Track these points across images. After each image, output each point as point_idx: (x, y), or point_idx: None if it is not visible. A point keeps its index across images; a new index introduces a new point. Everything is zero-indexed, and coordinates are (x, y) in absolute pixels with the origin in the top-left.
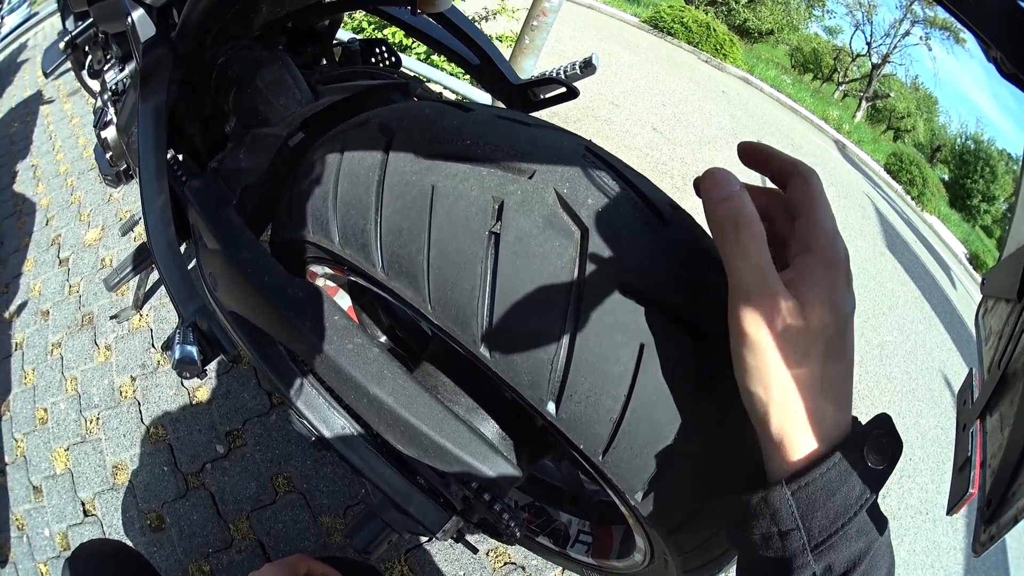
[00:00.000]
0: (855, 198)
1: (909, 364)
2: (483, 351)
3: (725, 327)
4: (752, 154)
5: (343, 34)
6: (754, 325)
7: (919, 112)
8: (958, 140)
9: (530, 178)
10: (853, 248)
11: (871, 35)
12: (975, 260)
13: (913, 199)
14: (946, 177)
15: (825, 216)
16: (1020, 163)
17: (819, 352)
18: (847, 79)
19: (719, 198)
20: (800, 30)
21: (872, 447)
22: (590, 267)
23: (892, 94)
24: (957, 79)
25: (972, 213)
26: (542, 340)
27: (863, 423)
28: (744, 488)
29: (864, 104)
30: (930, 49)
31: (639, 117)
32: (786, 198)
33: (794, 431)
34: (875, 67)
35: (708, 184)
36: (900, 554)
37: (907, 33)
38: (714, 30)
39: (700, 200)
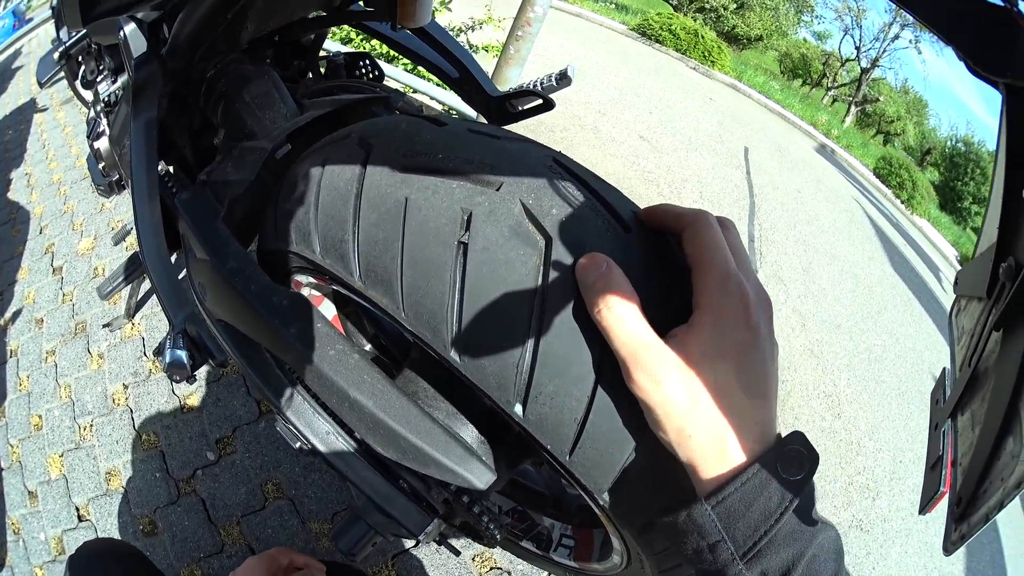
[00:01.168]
0: (844, 203)
1: (899, 367)
2: (453, 355)
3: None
4: (651, 218)
5: (331, 44)
6: (637, 388)
7: (909, 115)
8: (948, 142)
9: (497, 190)
10: (842, 253)
11: (860, 39)
12: (966, 262)
13: (903, 202)
14: (936, 180)
15: (712, 267)
16: (993, 163)
17: (714, 392)
18: (836, 84)
19: (588, 281)
20: (789, 36)
21: (785, 460)
22: (553, 274)
23: (881, 98)
24: (947, 81)
25: (963, 215)
26: (508, 344)
27: (782, 438)
28: (674, 509)
29: (853, 109)
30: (919, 52)
31: (626, 125)
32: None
33: (700, 461)
34: (864, 71)
35: (579, 269)
36: (892, 556)
37: (896, 37)
38: (702, 37)
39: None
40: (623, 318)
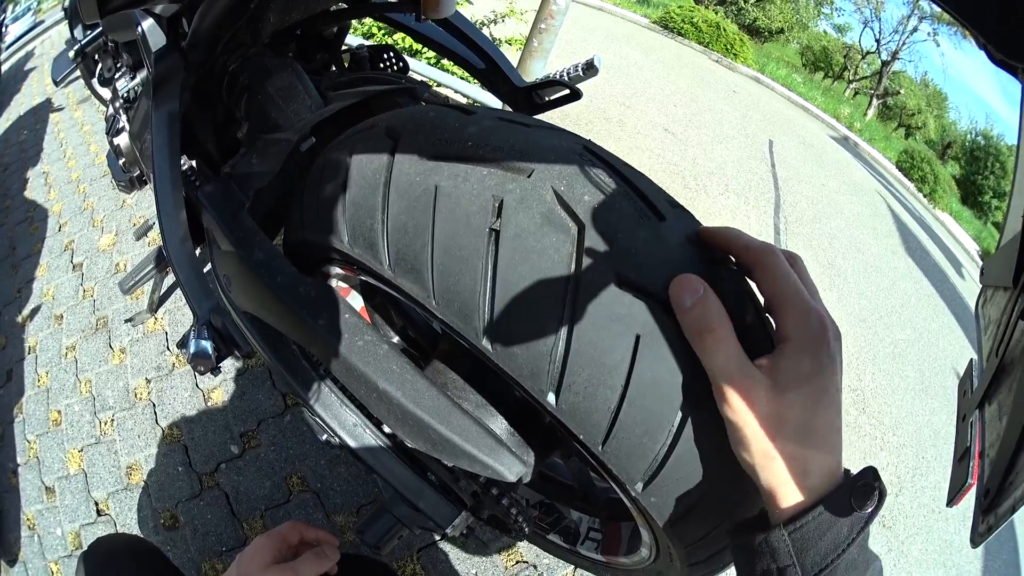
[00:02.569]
0: (867, 197)
1: (922, 361)
2: (485, 344)
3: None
4: (712, 239)
5: (352, 39)
6: (728, 409)
7: (929, 109)
8: (968, 136)
9: (528, 177)
10: (866, 247)
11: (880, 32)
12: (987, 256)
13: (925, 196)
14: (957, 174)
15: (794, 302)
16: (1015, 153)
17: (799, 420)
18: (858, 77)
19: (686, 305)
20: (810, 28)
21: (857, 494)
22: (587, 261)
23: (902, 91)
24: (965, 74)
25: (983, 209)
26: (541, 332)
27: (853, 474)
28: (750, 530)
29: (875, 102)
30: (938, 45)
31: (650, 118)
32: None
33: (780, 485)
34: (885, 64)
35: (675, 291)
36: (913, 553)
37: (915, 29)
38: (724, 30)
39: (700, 215)
40: (722, 342)
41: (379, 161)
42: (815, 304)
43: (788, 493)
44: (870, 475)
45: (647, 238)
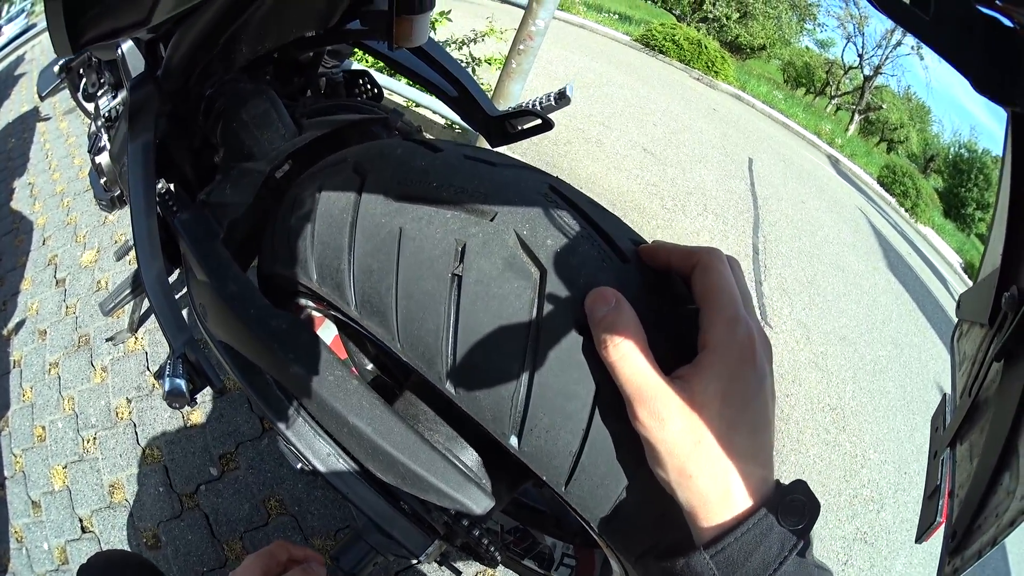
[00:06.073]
0: (848, 213)
1: (903, 377)
2: (448, 387)
3: (683, 363)
4: (652, 256)
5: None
6: (639, 425)
7: (912, 123)
8: (951, 149)
9: (492, 220)
10: (847, 264)
11: (863, 47)
12: (970, 269)
13: (907, 211)
14: (940, 187)
15: (721, 307)
16: (997, 188)
17: (718, 434)
18: (839, 92)
19: (597, 317)
20: (792, 44)
21: (786, 508)
22: (548, 307)
23: (884, 105)
24: (949, 87)
25: (966, 221)
26: (502, 378)
27: (783, 485)
28: (672, 554)
29: (857, 117)
30: (922, 59)
31: (629, 138)
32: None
33: (700, 505)
34: (867, 79)
35: (588, 303)
36: (896, 568)
37: (899, 44)
38: (705, 47)
39: (677, 235)
40: (629, 355)
41: (346, 200)
42: (744, 313)
43: (709, 513)
44: (799, 489)
45: (608, 282)
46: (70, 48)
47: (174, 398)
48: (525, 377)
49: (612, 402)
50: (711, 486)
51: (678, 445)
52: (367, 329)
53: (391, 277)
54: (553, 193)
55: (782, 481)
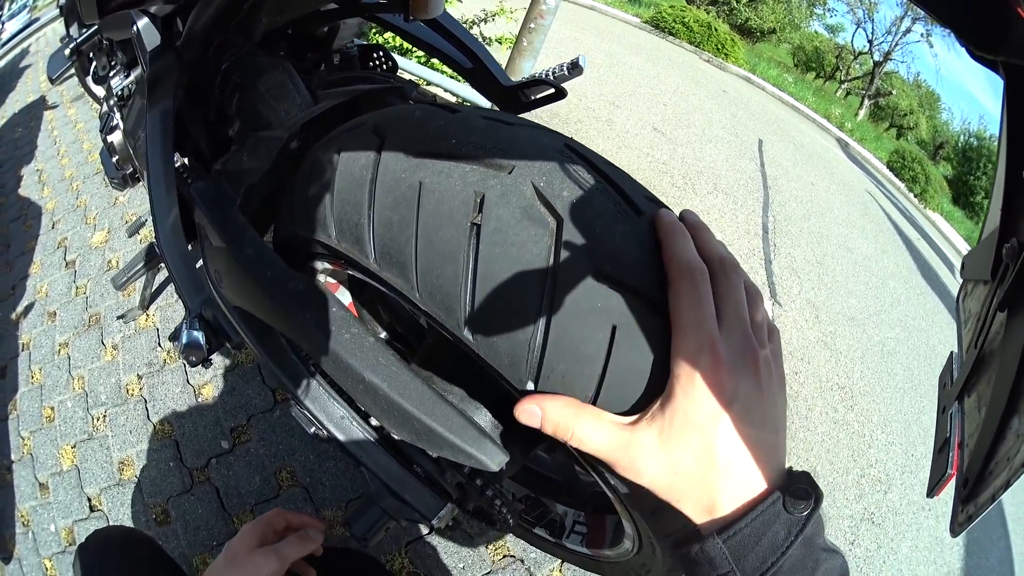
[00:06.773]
0: (857, 196)
1: (911, 359)
2: (467, 334)
3: None
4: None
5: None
6: (624, 481)
7: (921, 109)
8: (961, 136)
9: (509, 173)
10: (856, 246)
11: (872, 33)
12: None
13: (916, 196)
14: (949, 174)
15: (687, 335)
16: (997, 148)
17: (693, 462)
18: (849, 77)
19: (545, 429)
20: (802, 28)
21: (791, 498)
22: (564, 254)
23: (894, 91)
24: (959, 76)
25: (975, 209)
26: (520, 323)
27: (793, 473)
28: (687, 541)
29: (867, 102)
30: (931, 46)
31: (640, 117)
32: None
33: (700, 513)
34: (877, 65)
35: (525, 415)
36: (903, 550)
37: (908, 30)
38: (716, 30)
39: (690, 198)
40: (587, 435)
41: (366, 158)
42: (711, 336)
43: (717, 509)
44: (804, 480)
45: (624, 232)
46: (97, 13)
47: (191, 351)
48: (542, 321)
49: (629, 346)
50: (697, 505)
51: (658, 482)
52: (386, 281)
53: (411, 228)
54: (569, 150)
55: (792, 464)
